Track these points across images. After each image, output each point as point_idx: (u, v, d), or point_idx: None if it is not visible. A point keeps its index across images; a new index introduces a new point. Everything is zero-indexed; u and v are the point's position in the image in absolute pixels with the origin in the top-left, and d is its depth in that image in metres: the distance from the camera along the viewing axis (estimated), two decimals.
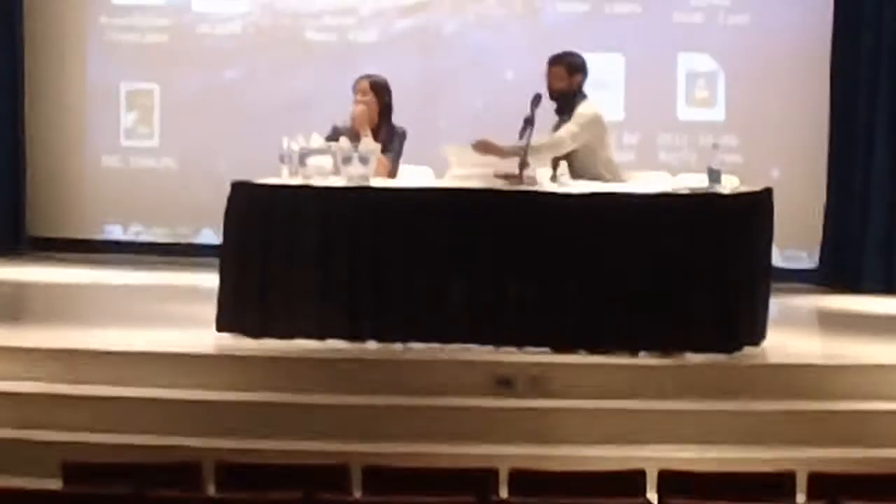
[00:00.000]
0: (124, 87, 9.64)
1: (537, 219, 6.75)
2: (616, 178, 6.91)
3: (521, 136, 6.78)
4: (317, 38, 9.24)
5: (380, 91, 7.17)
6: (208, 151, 9.20)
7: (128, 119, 9.76)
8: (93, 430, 6.39)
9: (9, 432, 6.34)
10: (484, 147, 6.67)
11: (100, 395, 6.76)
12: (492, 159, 6.70)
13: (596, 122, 6.86)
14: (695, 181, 6.89)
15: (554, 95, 6.84)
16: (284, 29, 9.38)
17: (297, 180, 6.88)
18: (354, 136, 6.99)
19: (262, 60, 9.33)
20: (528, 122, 6.71)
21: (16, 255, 9.35)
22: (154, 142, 9.64)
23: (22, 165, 9.73)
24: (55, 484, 5.23)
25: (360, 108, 7.07)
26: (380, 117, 7.23)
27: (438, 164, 7.21)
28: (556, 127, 6.94)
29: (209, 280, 7.16)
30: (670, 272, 6.65)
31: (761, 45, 8.78)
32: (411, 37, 9.05)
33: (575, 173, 6.75)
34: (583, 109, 6.79)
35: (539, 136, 6.84)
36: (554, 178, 6.84)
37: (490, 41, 8.88)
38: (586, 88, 6.99)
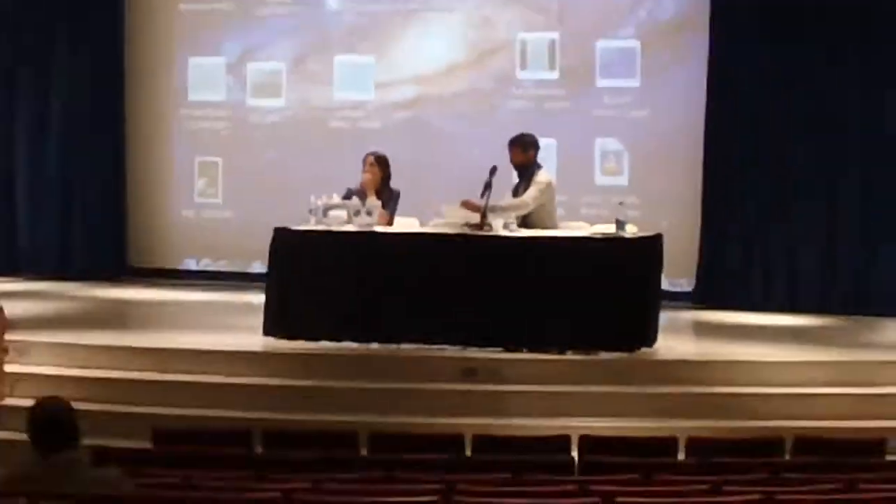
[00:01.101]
0: (197, 160, 9.80)
1: (493, 255, 7.00)
2: (553, 227, 7.10)
3: (481, 196, 7.00)
4: (336, 126, 9.30)
5: (381, 163, 7.34)
6: (257, 206, 9.18)
7: (200, 183, 9.95)
8: (174, 406, 6.62)
9: (117, 407, 6.62)
10: (467, 204, 6.83)
11: (179, 381, 6.96)
12: (464, 212, 6.78)
13: (549, 187, 7.01)
14: (606, 229, 7.05)
15: (516, 167, 6.96)
16: (313, 119, 9.46)
17: (320, 227, 7.09)
18: (363, 196, 7.22)
19: (297, 142, 9.43)
20: (487, 186, 6.88)
21: (119, 281, 9.46)
22: (219, 200, 9.86)
23: (124, 215, 9.83)
24: (147, 445, 5.42)
25: (367, 176, 7.28)
26: (381, 182, 7.46)
27: (424, 216, 7.16)
28: (516, 189, 7.05)
29: (258, 299, 7.22)
30: (589, 294, 6.86)
31: (655, 130, 8.84)
32: (406, 124, 9.07)
33: (527, 223, 6.96)
34: (539, 178, 6.93)
35: (504, 198, 6.89)
36: (506, 226, 7.04)
37: (463, 128, 8.91)
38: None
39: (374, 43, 8.89)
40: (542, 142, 7.41)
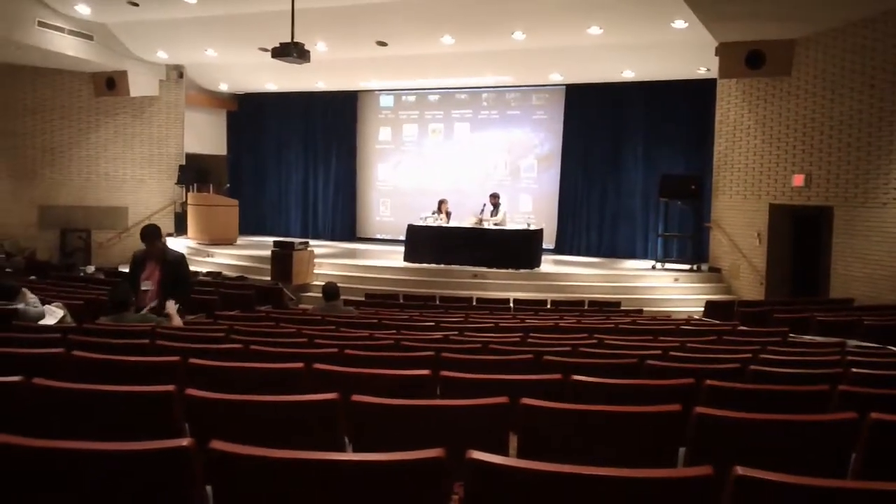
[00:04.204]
0: (381, 200, 14.01)
1: (485, 234, 9.63)
2: (504, 225, 9.71)
3: (481, 212, 9.70)
4: (432, 188, 13.66)
5: (445, 202, 10.26)
6: (401, 217, 12.59)
7: (382, 208, 13.92)
8: (373, 285, 8.93)
9: (351, 283, 9.01)
10: (476, 217, 9.78)
11: (373, 277, 9.76)
12: (476, 219, 9.89)
13: (504, 213, 9.68)
14: (523, 227, 9.85)
15: (492, 204, 9.69)
16: (423, 186, 13.90)
17: (424, 224, 9.83)
18: (439, 213, 9.93)
19: (415, 194, 13.59)
20: (485, 205, 9.87)
21: (352, 241, 13.17)
22: (388, 212, 13.62)
23: (355, 218, 13.68)
24: (362, 299, 7.70)
25: (443, 206, 10.18)
26: (446, 207, 10.08)
27: (461, 219, 10.22)
28: (493, 212, 9.70)
29: (401, 248, 9.96)
30: (517, 249, 9.71)
31: (542, 191, 12.40)
32: (456, 190, 13.16)
33: (497, 224, 9.71)
34: (502, 208, 9.62)
35: (488, 215, 10.02)
36: (492, 224, 9.59)
37: (475, 190, 13.07)
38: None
39: (442, 165, 13.05)
40: (503, 195, 10.24)
